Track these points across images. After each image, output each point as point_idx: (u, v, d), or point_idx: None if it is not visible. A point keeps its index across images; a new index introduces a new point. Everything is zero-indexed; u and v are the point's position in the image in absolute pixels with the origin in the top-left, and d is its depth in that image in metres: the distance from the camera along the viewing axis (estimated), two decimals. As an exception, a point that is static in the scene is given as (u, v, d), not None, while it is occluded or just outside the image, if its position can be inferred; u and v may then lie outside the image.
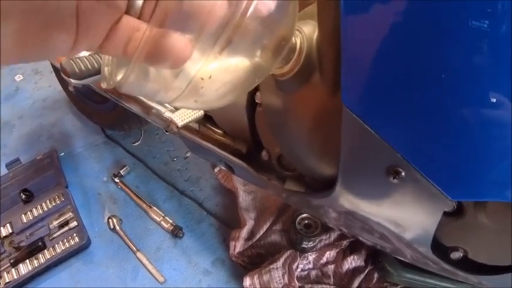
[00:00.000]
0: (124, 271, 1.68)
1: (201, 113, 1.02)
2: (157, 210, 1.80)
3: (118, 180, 1.94)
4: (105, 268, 1.70)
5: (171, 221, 1.76)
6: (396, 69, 0.61)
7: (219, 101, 0.51)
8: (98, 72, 1.00)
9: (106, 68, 0.46)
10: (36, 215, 1.84)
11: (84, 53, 1.12)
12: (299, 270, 1.57)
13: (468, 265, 0.86)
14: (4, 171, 2.04)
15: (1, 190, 1.95)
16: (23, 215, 1.84)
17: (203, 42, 0.41)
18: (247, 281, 1.52)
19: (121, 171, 1.97)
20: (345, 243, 1.60)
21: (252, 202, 1.74)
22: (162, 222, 1.76)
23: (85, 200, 1.92)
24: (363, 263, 1.57)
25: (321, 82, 0.74)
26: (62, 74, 1.00)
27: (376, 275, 1.53)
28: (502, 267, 0.82)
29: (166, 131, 1.28)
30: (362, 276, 1.54)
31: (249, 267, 1.63)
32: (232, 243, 1.65)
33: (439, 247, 0.87)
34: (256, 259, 1.66)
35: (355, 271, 1.56)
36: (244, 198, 1.75)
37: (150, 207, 1.81)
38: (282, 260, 1.55)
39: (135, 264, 1.69)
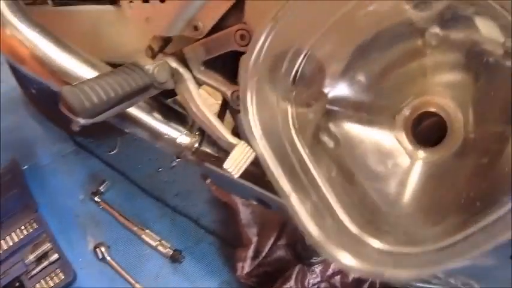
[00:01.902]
0: (121, 306, 1.50)
1: (254, 155, 0.85)
2: (152, 234, 1.61)
3: (99, 200, 1.72)
4: (97, 305, 1.51)
5: (169, 245, 1.59)
6: None
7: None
8: (116, 102, 0.78)
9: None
10: (6, 248, 1.57)
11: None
12: (310, 285, 1.51)
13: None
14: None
15: None
16: (-12, 250, 1.57)
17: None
18: (262, 303, 1.43)
19: (100, 188, 1.74)
20: (348, 253, 1.56)
21: (252, 216, 1.61)
22: (159, 247, 1.58)
23: (61, 225, 1.67)
24: (366, 272, 1.54)
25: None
26: (66, 111, 0.75)
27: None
28: None
29: (178, 158, 1.11)
30: (367, 284, 1.51)
31: (258, 287, 1.54)
32: (239, 264, 1.54)
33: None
34: (264, 278, 1.56)
35: (359, 280, 1.53)
36: (244, 213, 1.61)
37: (143, 230, 1.62)
38: (293, 277, 1.50)
39: (133, 297, 1.51)
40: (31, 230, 1.62)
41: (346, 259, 0.60)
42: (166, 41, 0.92)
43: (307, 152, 0.69)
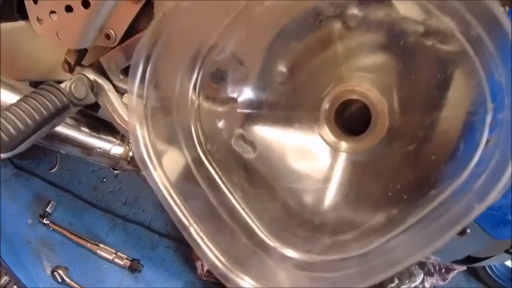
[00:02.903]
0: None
1: (184, 161, 0.83)
2: (106, 247, 1.58)
3: (47, 221, 1.66)
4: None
5: (125, 256, 1.56)
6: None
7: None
8: (36, 128, 0.74)
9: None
10: (-41, 293, 1.51)
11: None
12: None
13: None
14: None
15: None
16: None
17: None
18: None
19: (47, 209, 1.68)
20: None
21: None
22: (116, 260, 1.55)
23: (14, 255, 1.61)
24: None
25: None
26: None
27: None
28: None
29: (115, 169, 1.08)
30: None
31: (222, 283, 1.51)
32: (198, 263, 1.52)
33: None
34: (226, 272, 1.54)
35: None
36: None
37: (97, 245, 1.58)
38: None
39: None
40: (-16, 266, 1.55)
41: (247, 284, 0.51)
42: (81, 53, 0.87)
43: (216, 167, 0.62)
